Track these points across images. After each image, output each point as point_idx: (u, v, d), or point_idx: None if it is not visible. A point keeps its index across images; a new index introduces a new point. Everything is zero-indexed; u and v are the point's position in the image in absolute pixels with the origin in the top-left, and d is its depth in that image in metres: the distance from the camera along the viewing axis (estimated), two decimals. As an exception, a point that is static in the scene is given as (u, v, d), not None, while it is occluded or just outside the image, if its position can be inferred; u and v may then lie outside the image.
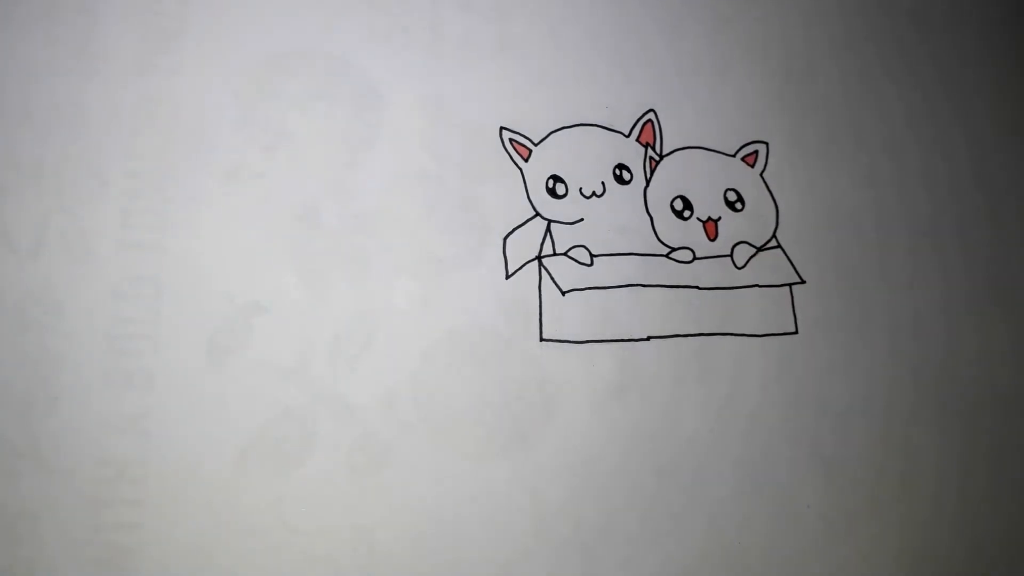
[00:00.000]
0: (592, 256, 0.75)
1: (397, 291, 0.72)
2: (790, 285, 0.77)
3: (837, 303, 0.77)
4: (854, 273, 0.78)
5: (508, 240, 0.74)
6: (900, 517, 0.73)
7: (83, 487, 0.65)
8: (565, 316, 0.73)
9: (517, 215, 0.75)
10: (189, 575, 0.65)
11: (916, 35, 0.85)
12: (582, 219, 0.76)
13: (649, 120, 0.79)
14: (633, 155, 0.78)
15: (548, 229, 0.75)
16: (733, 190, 0.79)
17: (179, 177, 0.71)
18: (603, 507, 0.71)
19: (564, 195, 0.76)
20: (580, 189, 0.76)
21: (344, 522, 0.67)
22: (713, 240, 0.77)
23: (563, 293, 0.74)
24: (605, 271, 0.75)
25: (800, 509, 0.73)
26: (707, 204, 0.78)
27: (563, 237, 0.75)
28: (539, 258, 0.75)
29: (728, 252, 0.77)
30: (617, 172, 0.77)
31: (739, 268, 0.77)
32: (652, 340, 0.74)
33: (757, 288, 0.77)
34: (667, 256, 0.76)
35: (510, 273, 0.74)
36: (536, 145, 0.77)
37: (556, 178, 0.76)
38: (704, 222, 0.77)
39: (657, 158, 0.78)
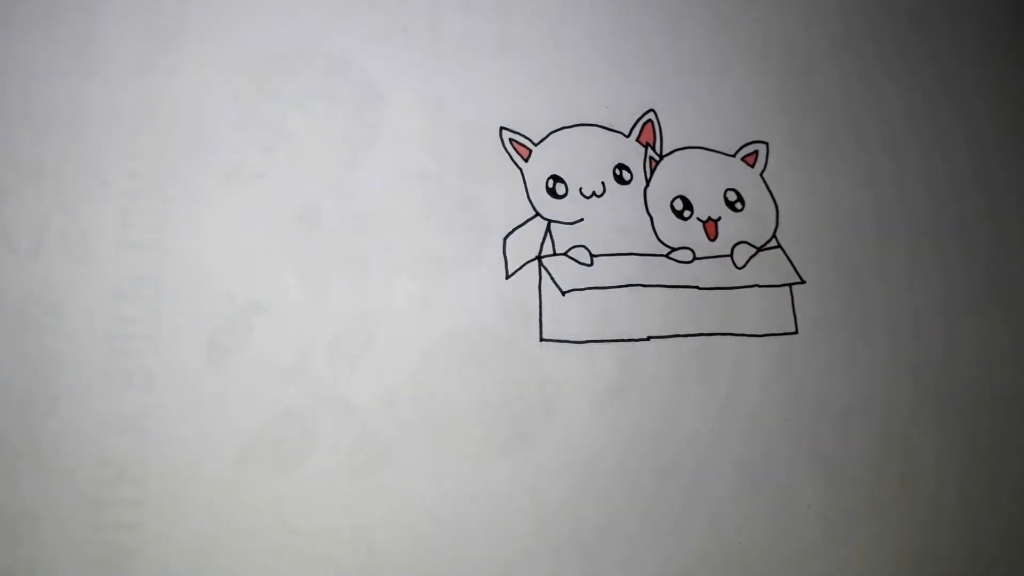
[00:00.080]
0: (592, 256, 0.75)
1: (397, 291, 0.72)
2: (790, 285, 0.77)
3: (837, 303, 0.77)
4: (854, 273, 0.78)
5: (508, 240, 0.74)
6: (900, 517, 0.73)
7: (83, 487, 0.65)
8: (565, 316, 0.73)
9: (517, 215, 0.75)
10: (189, 575, 0.65)
11: (916, 35, 0.85)
12: (582, 219, 0.76)
13: (649, 120, 0.79)
14: (633, 155, 0.78)
15: (548, 229, 0.75)
16: (733, 190, 0.79)
17: (179, 177, 0.71)
18: (603, 507, 0.71)
19: (564, 195, 0.76)
20: (580, 189, 0.76)
21: (344, 522, 0.67)
22: (713, 240, 0.77)
23: (563, 293, 0.74)
24: (605, 271, 0.75)
25: (800, 509, 0.73)
26: (707, 204, 0.78)
27: (563, 237, 0.75)
28: (539, 258, 0.74)
29: (728, 252, 0.77)
30: (617, 172, 0.77)
31: (739, 268, 0.77)
32: (652, 340, 0.74)
33: (757, 288, 0.76)
34: (667, 256, 0.76)
35: (510, 273, 0.74)
36: (536, 145, 0.77)
37: (556, 178, 0.76)
38: (704, 222, 0.77)
39: (657, 158, 0.78)
